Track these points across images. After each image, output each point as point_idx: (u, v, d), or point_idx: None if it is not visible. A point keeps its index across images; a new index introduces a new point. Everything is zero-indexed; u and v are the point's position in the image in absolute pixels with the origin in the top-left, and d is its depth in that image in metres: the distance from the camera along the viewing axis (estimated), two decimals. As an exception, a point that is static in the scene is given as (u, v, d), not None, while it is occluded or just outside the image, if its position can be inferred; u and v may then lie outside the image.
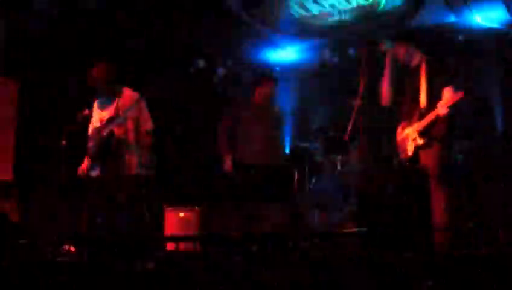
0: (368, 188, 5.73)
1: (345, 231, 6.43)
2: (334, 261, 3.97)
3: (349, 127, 6.09)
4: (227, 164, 6.30)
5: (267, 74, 6.91)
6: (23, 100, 7.07)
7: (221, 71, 9.16)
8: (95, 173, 5.92)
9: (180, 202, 7.16)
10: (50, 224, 6.41)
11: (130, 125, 5.93)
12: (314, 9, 8.61)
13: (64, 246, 5.51)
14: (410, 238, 4.57)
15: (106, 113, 5.98)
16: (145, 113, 6.04)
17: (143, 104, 6.06)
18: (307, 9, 8.63)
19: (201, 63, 9.08)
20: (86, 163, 5.99)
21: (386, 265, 3.72)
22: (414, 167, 5.21)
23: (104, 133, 5.86)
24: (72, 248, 5.47)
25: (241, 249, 5.21)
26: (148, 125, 6.02)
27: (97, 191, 5.95)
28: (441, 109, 4.85)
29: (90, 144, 6.01)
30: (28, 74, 7.27)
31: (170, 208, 6.90)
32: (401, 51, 5.32)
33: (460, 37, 7.92)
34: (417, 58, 5.29)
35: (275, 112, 6.66)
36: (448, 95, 4.90)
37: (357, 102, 6.69)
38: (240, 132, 6.38)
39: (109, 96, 5.99)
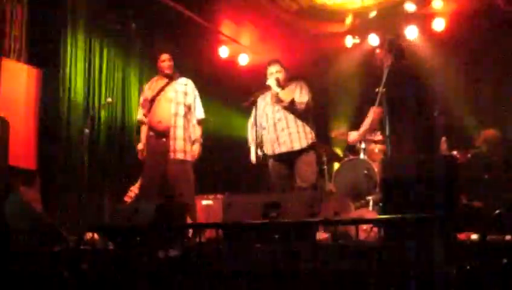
0: (391, 176, 5.64)
1: (366, 218, 6.36)
2: (355, 248, 3.95)
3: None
4: None
5: None
6: (46, 88, 7.07)
7: None
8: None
9: (203, 191, 7.15)
10: (73, 212, 6.45)
11: (181, 110, 6.19)
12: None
13: (87, 234, 5.53)
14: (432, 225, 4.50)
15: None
16: (198, 102, 6.36)
17: (196, 92, 6.37)
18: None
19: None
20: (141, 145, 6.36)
21: (407, 252, 3.68)
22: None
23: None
24: (96, 236, 5.48)
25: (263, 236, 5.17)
26: (199, 114, 6.35)
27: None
28: None
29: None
30: (51, 61, 7.27)
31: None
32: None
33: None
34: None
35: None
36: None
37: (380, 89, 6.62)
38: None
39: (167, 79, 6.37)
